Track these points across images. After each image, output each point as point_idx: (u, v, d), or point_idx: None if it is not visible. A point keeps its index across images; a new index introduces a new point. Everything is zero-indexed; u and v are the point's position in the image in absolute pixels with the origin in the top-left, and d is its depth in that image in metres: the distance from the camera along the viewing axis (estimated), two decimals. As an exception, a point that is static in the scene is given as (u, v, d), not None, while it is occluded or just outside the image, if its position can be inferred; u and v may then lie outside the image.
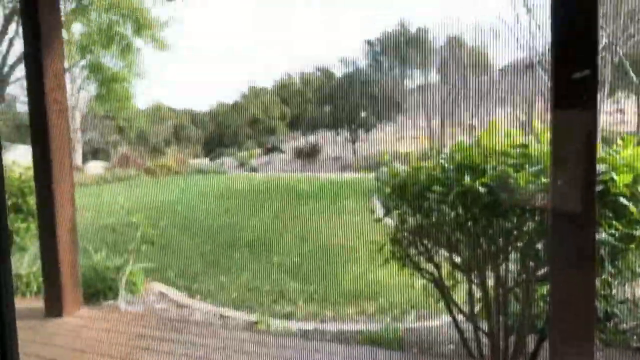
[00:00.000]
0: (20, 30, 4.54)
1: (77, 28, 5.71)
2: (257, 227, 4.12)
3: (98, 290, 3.61)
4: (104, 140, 5.78)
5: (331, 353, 2.64)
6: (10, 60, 5.72)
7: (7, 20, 5.61)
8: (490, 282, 2.57)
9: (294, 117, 6.01)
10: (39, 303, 3.35)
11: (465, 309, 2.66)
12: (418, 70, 4.50)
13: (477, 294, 2.63)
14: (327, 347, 2.75)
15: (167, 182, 4.91)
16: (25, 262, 3.81)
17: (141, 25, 5.31)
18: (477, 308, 2.63)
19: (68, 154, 3.50)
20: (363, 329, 3.00)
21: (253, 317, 3.27)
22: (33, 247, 3.88)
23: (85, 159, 5.63)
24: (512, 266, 2.58)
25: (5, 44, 5.71)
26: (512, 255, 2.55)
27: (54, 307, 3.22)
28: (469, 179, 2.45)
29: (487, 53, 3.79)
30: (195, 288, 3.82)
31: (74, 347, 2.82)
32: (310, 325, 3.11)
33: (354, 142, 4.76)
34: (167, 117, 5.25)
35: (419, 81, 4.64)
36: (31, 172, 3.49)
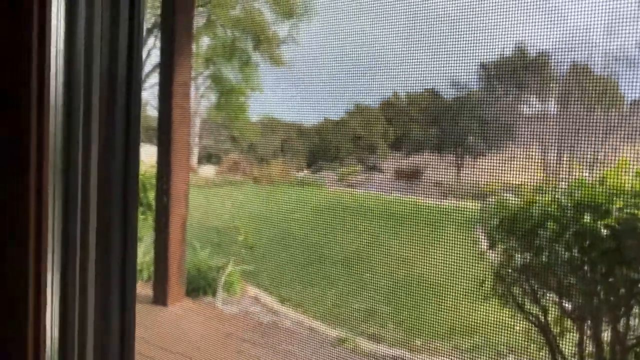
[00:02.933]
0: (158, 42, 5.06)
1: (204, 41, 6.24)
2: (351, 244, 4.13)
3: (199, 286, 3.85)
4: (217, 147, 6.20)
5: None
6: (147, 68, 6.41)
7: (148, 33, 6.30)
8: (606, 336, 2.31)
9: (397, 137, 5.94)
10: (148, 290, 3.66)
11: (573, 362, 2.41)
12: (535, 97, 4.23)
13: (589, 347, 2.37)
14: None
15: (271, 191, 5.13)
16: (140, 252, 4.19)
17: (261, 41, 5.66)
18: (587, 363, 2.38)
19: (187, 156, 3.82)
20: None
21: (341, 333, 3.26)
22: (147, 238, 4.27)
23: (200, 163, 6.09)
24: (634, 322, 2.29)
25: (144, 53, 6.42)
26: (636, 310, 2.27)
27: (160, 296, 3.50)
28: (589, 218, 2.24)
29: (618, 83, 3.46)
30: (287, 296, 3.91)
31: (173, 335, 3.03)
32: (398, 352, 3.02)
33: (459, 168, 4.58)
34: (276, 129, 5.49)
35: (535, 109, 4.35)
36: (154, 170, 3.85)
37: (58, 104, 0.85)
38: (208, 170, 5.96)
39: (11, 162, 0.82)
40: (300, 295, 3.94)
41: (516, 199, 2.57)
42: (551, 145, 3.67)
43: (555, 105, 4.16)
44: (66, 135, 0.88)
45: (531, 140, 4.05)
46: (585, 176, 2.61)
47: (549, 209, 2.41)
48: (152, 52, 6.43)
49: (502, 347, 2.93)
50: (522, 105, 4.37)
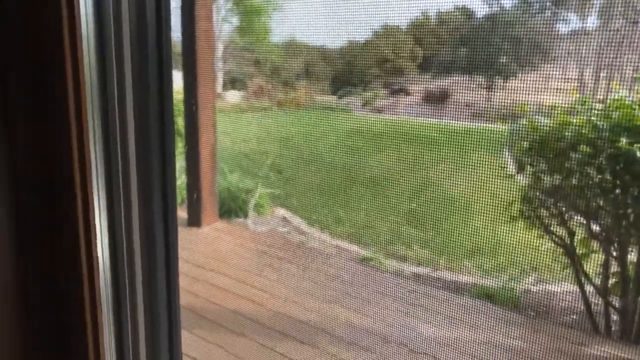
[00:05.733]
0: (176, -39, 4.84)
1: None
2: (376, 168, 4.15)
3: (230, 208, 4.00)
4: (242, 72, 6.13)
5: (443, 300, 2.67)
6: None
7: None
8: (632, 257, 2.34)
9: (426, 59, 5.71)
10: (182, 213, 3.82)
11: (597, 281, 2.47)
12: (574, 13, 3.97)
13: (614, 268, 2.42)
14: (439, 294, 2.78)
15: (296, 116, 5.12)
16: (172, 176, 4.31)
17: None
18: (610, 282, 2.43)
19: (212, 81, 3.80)
20: (478, 283, 2.95)
21: (366, 253, 3.39)
22: (178, 163, 4.38)
23: (224, 88, 6.05)
24: (661, 243, 2.31)
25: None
26: (665, 232, 2.28)
27: (195, 217, 3.66)
28: (625, 140, 2.18)
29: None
30: (314, 218, 4.04)
31: (209, 254, 3.21)
32: (423, 271, 3.15)
33: (489, 90, 4.42)
34: (300, 52, 5.35)
35: (573, 26, 4.09)
36: (180, 96, 3.86)
37: (90, 33, 0.85)
38: (234, 96, 5.93)
39: (52, 97, 0.84)
40: (327, 216, 4.05)
41: (548, 120, 2.51)
42: (588, 64, 3.48)
43: (596, 20, 3.89)
44: (101, 64, 0.88)
45: (567, 59, 3.85)
46: (625, 96, 2.50)
47: (583, 130, 2.35)
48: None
49: (526, 266, 3.01)
50: (558, 22, 4.10)
